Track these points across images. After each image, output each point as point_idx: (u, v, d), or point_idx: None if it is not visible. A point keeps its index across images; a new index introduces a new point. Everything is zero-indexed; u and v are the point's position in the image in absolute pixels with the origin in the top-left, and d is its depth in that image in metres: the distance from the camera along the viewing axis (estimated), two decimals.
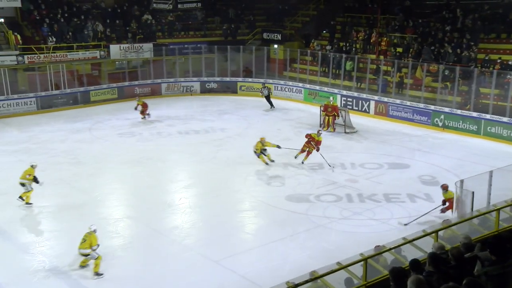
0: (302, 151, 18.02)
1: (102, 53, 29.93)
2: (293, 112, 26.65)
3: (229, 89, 31.20)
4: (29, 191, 14.86)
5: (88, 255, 11.24)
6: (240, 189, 16.32)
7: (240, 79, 31.18)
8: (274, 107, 26.88)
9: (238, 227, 13.83)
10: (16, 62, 27.24)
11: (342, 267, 7.81)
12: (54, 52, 28.46)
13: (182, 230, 13.55)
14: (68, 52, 29.03)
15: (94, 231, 11.42)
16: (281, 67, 31.65)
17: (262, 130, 23.11)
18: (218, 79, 31.51)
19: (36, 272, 11.28)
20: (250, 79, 30.97)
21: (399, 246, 8.37)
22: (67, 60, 28.77)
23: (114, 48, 30.19)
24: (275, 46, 32.68)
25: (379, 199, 15.09)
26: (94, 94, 29.09)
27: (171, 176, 18.01)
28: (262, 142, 18.00)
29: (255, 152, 17.91)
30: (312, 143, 17.89)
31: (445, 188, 13.09)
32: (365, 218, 13.88)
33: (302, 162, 17.96)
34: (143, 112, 24.81)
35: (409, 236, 8.51)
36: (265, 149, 18.06)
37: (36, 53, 27.86)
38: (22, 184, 14.88)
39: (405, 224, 12.89)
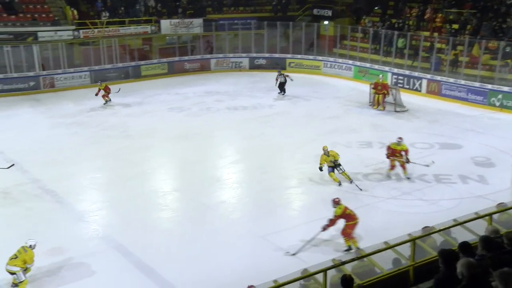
0: (392, 167, 14.94)
1: (153, 28, 30.35)
2: (342, 90, 26.28)
3: (278, 65, 31.01)
4: None
5: (15, 273, 9.68)
6: (287, 166, 16.32)
7: (289, 55, 30.94)
8: (284, 93, 25.06)
9: (285, 204, 13.86)
10: (72, 37, 28.04)
11: (389, 247, 7.74)
12: (107, 27, 29.07)
13: (229, 204, 13.71)
14: (120, 27, 29.58)
15: (31, 246, 9.93)
16: (331, 44, 31.14)
17: (310, 108, 23.04)
18: (267, 55, 31.39)
19: (91, 239, 11.75)
20: (299, 56, 30.70)
21: (448, 228, 8.20)
22: (119, 34, 29.34)
23: (165, 23, 30.55)
24: (325, 22, 32.15)
25: (429, 179, 14.74)
26: (145, 68, 29.61)
27: (219, 151, 18.20)
28: (326, 152, 14.33)
29: (321, 168, 14.50)
30: (396, 155, 14.74)
31: (336, 202, 11.25)
32: (414, 198, 13.63)
33: (408, 177, 14.79)
34: (104, 96, 23.58)
35: (460, 218, 8.32)
36: (337, 163, 14.34)
37: (90, 28, 28.55)
38: None
39: (293, 254, 11.00)
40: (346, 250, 11.14)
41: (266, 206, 13.52)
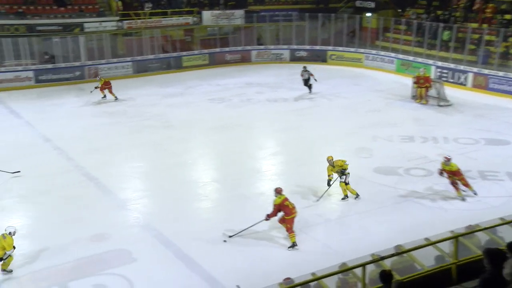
0: (455, 188, 13.04)
1: (195, 19, 30.58)
2: (384, 83, 25.86)
3: (319, 57, 30.78)
4: None
5: None
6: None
7: (330, 47, 30.62)
8: (310, 91, 23.79)
9: (324, 197, 13.73)
10: (116, 28, 28.60)
11: (430, 243, 7.57)
12: (150, 18, 29.47)
13: (269, 196, 13.55)
14: (163, 18, 29.96)
15: (10, 233, 9.98)
16: (373, 36, 30.64)
17: (351, 101, 22.77)
18: (308, 47, 31.16)
19: (132, 227, 11.99)
20: (340, 48, 30.35)
21: (494, 226, 7.95)
22: (161, 25, 29.72)
23: (206, 14, 30.74)
24: (368, 14, 31.62)
25: (474, 175, 14.30)
26: (186, 59, 29.90)
27: (258, 143, 18.23)
28: (330, 162, 13.13)
29: (329, 182, 13.24)
30: (450, 175, 13.00)
31: (278, 191, 11.19)
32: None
33: (463, 199, 12.93)
34: (102, 89, 23.23)
35: (507, 216, 8.05)
36: (345, 173, 13.03)
37: (134, 19, 29.03)
38: None
39: (230, 236, 11.30)
40: (290, 247, 10.95)
41: (305, 198, 13.45)
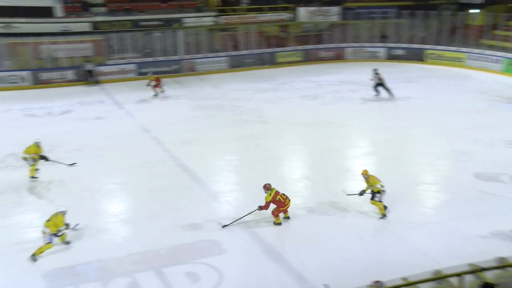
0: None
1: (290, 15, 30.65)
2: (488, 84, 24.43)
3: (416, 56, 29.71)
4: (31, 165, 14.42)
5: (44, 234, 10.54)
6: (422, 161, 15.58)
7: (428, 46, 29.43)
8: (391, 94, 22.48)
9: (418, 200, 13.25)
10: (213, 23, 29.41)
11: None
12: (246, 14, 29.96)
13: (360, 197, 13.40)
14: (258, 13, 30.34)
15: (62, 212, 10.81)
16: (478, 34, 29.00)
17: (449, 101, 21.77)
18: (405, 45, 30.18)
19: (223, 219, 12.21)
20: (439, 47, 29.07)
21: None
22: (256, 21, 30.12)
23: (302, 11, 30.71)
24: (474, 10, 29.95)
25: None
26: (280, 56, 30.06)
27: (350, 141, 17.95)
28: (365, 177, 12.38)
29: (364, 191, 12.43)
30: None
31: (267, 188, 11.64)
32: None
33: None
34: (155, 87, 23.87)
35: None
36: (378, 190, 12.11)
37: (230, 15, 29.68)
38: (24, 159, 14.38)
39: (224, 226, 11.74)
40: (276, 224, 11.80)
41: (397, 201, 13.01)
